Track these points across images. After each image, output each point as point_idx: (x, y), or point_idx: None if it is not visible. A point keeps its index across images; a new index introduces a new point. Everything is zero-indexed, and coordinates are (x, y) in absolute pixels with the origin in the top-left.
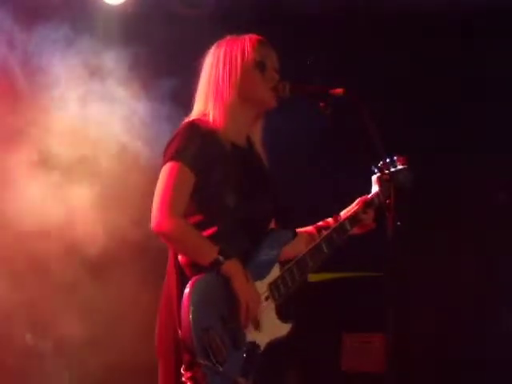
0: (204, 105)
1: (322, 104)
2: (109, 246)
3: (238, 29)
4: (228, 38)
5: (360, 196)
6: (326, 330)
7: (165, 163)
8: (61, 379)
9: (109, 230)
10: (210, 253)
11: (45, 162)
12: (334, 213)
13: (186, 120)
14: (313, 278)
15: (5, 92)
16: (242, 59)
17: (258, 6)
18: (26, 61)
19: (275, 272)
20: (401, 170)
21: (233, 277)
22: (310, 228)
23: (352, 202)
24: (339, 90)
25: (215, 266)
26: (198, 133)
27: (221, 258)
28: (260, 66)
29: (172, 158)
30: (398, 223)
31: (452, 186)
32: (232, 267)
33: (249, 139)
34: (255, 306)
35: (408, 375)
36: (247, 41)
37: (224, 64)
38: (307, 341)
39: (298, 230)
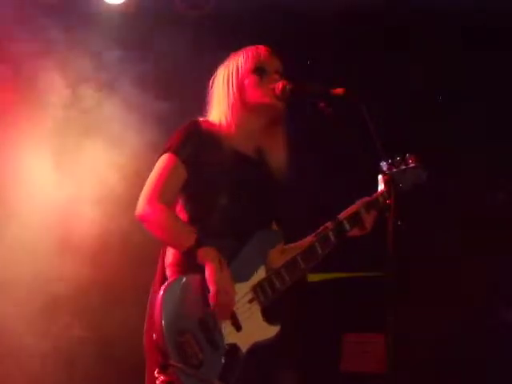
0: (212, 116)
1: (322, 104)
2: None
3: (239, 30)
4: (231, 55)
5: (361, 197)
6: (326, 330)
7: (161, 155)
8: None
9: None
10: (188, 239)
11: None
12: (334, 215)
13: (191, 120)
14: (313, 278)
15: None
16: (238, 70)
17: (259, 6)
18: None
19: (261, 274)
20: (413, 168)
21: (207, 263)
22: (310, 237)
23: (352, 204)
24: (339, 90)
25: (191, 252)
26: (197, 132)
27: (197, 244)
28: (259, 71)
29: (168, 151)
30: (399, 223)
31: (452, 186)
32: (207, 253)
33: (259, 149)
34: (227, 297)
35: (408, 375)
36: (243, 52)
37: (223, 79)
38: (307, 341)
39: (299, 242)
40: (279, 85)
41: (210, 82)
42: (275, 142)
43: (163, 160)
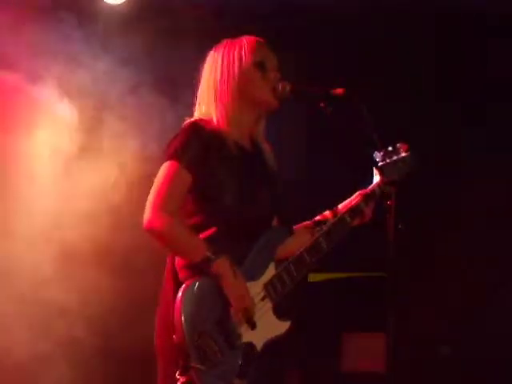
0: (206, 109)
1: (322, 104)
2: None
3: (238, 29)
4: (225, 41)
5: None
6: (326, 330)
7: (164, 162)
8: None
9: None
10: (200, 250)
11: None
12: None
13: (189, 120)
14: (313, 278)
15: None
16: (241, 60)
17: (258, 5)
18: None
19: (271, 271)
20: (404, 157)
21: (222, 275)
22: (307, 223)
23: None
24: (339, 90)
25: (205, 263)
26: (199, 133)
27: (210, 255)
28: (260, 66)
29: (170, 158)
30: (400, 226)
31: (452, 186)
32: (221, 265)
33: (253, 140)
34: (246, 304)
35: (408, 375)
36: (245, 42)
37: (222, 67)
38: (307, 341)
39: (296, 226)
40: (280, 85)
41: (204, 67)
42: (260, 131)
43: (166, 167)
